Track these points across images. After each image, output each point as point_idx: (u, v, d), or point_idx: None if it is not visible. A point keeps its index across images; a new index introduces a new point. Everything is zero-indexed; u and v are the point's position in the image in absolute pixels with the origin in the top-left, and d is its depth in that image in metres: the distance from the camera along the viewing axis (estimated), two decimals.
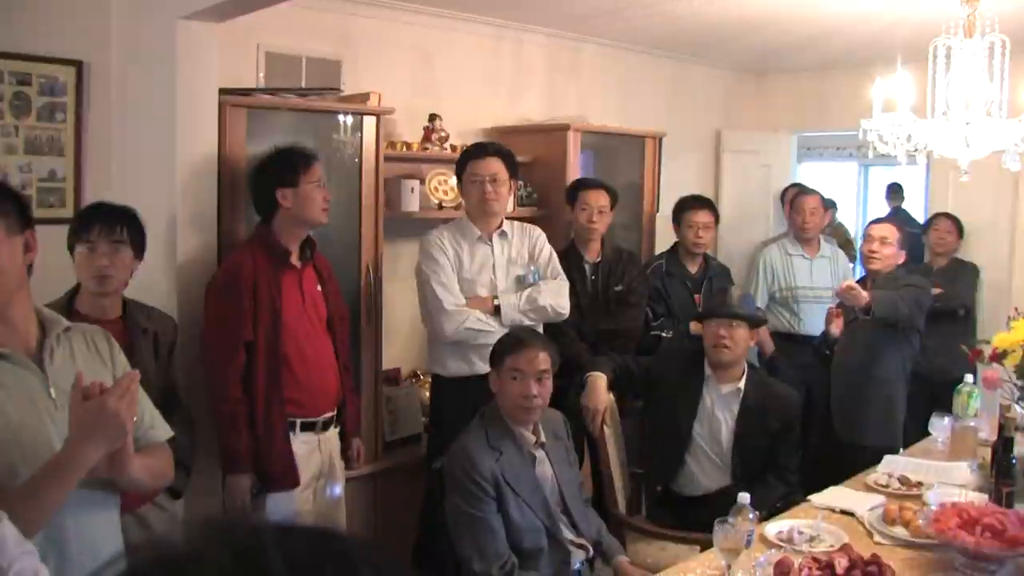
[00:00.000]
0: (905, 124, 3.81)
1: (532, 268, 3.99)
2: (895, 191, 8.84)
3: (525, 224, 4.15)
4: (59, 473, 1.83)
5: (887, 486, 3.43)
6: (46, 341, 2.00)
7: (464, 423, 3.76)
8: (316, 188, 3.43)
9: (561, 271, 4.07)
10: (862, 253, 4.62)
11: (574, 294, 4.43)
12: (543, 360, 3.15)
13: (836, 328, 4.51)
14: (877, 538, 2.96)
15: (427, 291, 3.85)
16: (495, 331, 3.80)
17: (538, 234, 4.11)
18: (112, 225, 3.01)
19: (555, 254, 4.11)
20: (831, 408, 4.56)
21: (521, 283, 3.96)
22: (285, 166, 3.39)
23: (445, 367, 3.95)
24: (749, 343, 3.83)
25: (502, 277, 3.96)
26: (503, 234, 4.00)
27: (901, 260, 4.57)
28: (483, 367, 3.78)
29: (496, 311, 3.86)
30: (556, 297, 3.94)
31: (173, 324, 3.33)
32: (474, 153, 3.96)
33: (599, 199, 4.54)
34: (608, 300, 4.53)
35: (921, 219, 7.01)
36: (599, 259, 4.58)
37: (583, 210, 4.54)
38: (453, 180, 4.71)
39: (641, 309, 4.61)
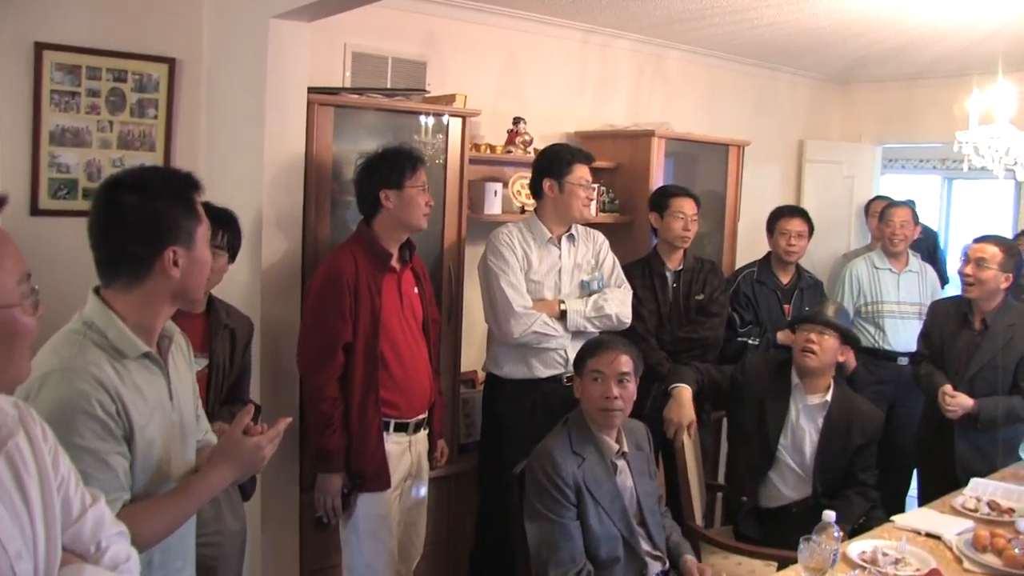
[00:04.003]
0: (1004, 137, 3.71)
1: (597, 274, 3.98)
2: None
3: (589, 229, 4.12)
4: (201, 493, 1.97)
5: (975, 510, 3.31)
6: (164, 344, 2.07)
7: (516, 426, 3.81)
8: (420, 192, 3.41)
9: (625, 280, 4.05)
10: (960, 275, 4.23)
11: (654, 301, 4.39)
12: (624, 362, 3.13)
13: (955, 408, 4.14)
14: (967, 564, 2.86)
15: (495, 290, 3.82)
16: (559, 336, 3.82)
17: (602, 240, 4.10)
18: (213, 231, 3.06)
19: (618, 262, 4.09)
20: (955, 454, 4.19)
21: (584, 288, 3.94)
22: (391, 167, 3.38)
23: (501, 368, 3.94)
24: (837, 356, 3.75)
25: (567, 281, 3.94)
26: (571, 238, 3.98)
27: (1005, 284, 4.11)
28: (542, 371, 3.83)
29: (562, 316, 3.84)
30: (622, 306, 3.92)
31: (250, 324, 3.38)
32: (584, 157, 3.96)
33: (692, 208, 4.48)
34: (689, 309, 4.47)
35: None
36: (681, 267, 4.52)
37: (678, 219, 4.45)
38: None
39: (722, 319, 4.54)
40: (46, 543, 1.46)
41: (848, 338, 3.78)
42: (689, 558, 3.22)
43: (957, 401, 4.07)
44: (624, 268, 4.13)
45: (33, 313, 1.42)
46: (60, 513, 1.52)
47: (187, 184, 1.98)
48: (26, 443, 1.48)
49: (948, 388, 4.14)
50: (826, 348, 3.70)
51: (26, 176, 3.73)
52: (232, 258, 3.20)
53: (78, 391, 1.78)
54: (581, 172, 3.90)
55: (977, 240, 4.25)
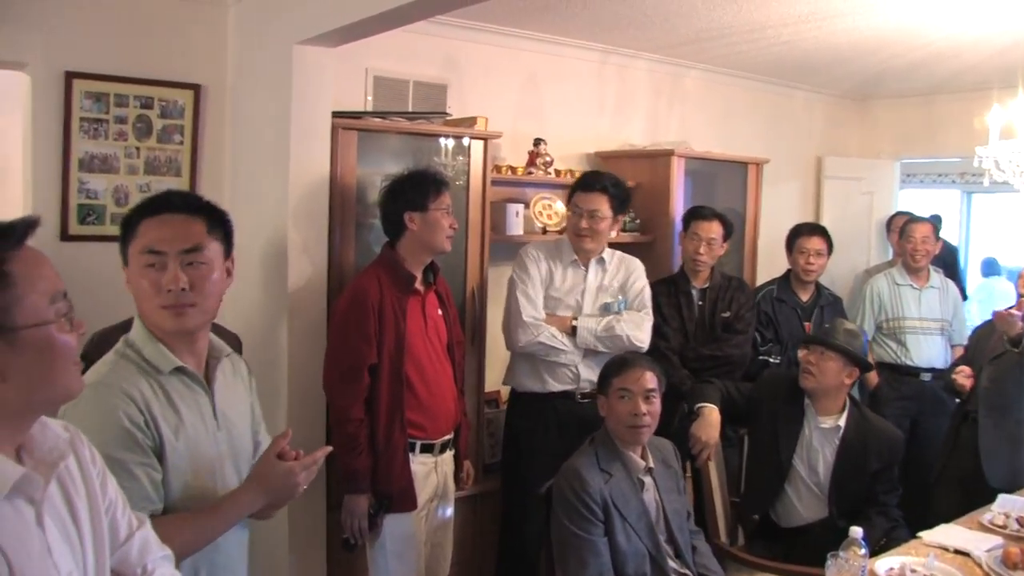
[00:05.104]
0: None
1: (620, 298, 3.99)
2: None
3: (627, 256, 4.13)
4: (229, 512, 1.98)
5: (1004, 527, 3.29)
6: (212, 364, 2.10)
7: (531, 440, 3.90)
8: (444, 215, 3.44)
9: (648, 306, 4.04)
10: (1021, 277, 4.33)
11: (679, 318, 4.40)
12: (650, 379, 3.16)
13: (964, 380, 4.29)
14: None
15: (511, 299, 3.91)
16: (567, 351, 3.86)
17: (636, 266, 4.10)
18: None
19: (648, 289, 4.08)
20: (981, 453, 4.18)
21: (606, 310, 3.97)
22: (416, 189, 3.41)
23: (518, 382, 4.01)
24: (842, 379, 3.67)
25: (590, 302, 3.97)
26: (601, 261, 4.02)
27: None
28: (555, 386, 3.89)
29: (573, 332, 3.87)
30: (635, 329, 3.91)
31: (237, 340, 3.38)
32: (581, 184, 3.99)
33: (710, 231, 4.47)
34: (714, 326, 4.47)
35: None
36: (707, 285, 4.53)
37: (692, 240, 4.49)
38: (558, 205, 4.74)
39: (748, 337, 4.52)
40: (95, 565, 1.49)
41: (852, 360, 3.68)
42: None
43: (1010, 314, 4.05)
44: (651, 286, 4.14)
45: (70, 330, 1.44)
46: (108, 536, 1.55)
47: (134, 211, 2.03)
48: (76, 466, 1.51)
49: (966, 369, 4.27)
50: (825, 370, 3.65)
51: (56, 202, 3.80)
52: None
53: (106, 403, 1.84)
54: (576, 198, 3.96)
55: None
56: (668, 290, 4.48)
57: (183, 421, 1.96)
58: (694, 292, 4.52)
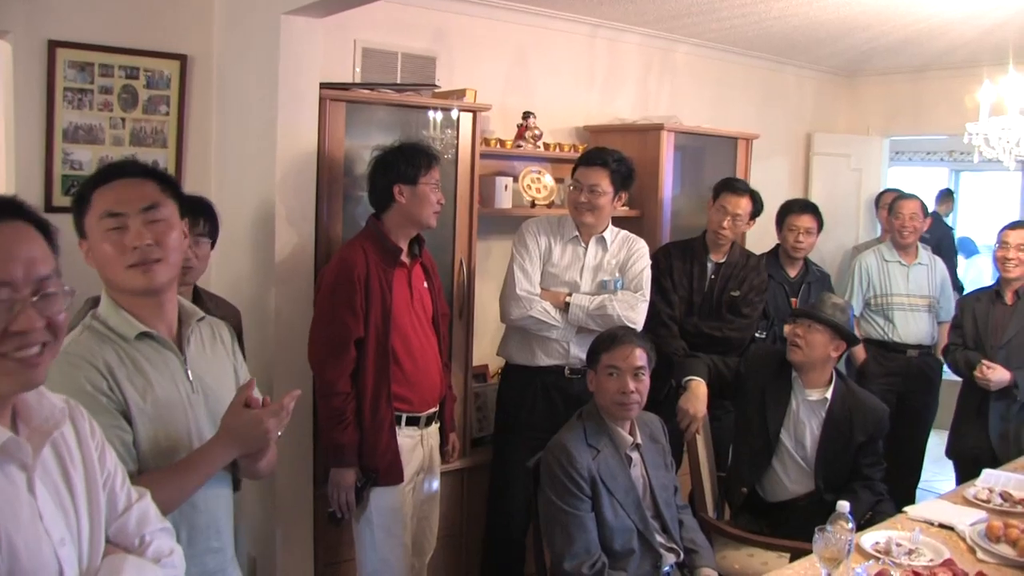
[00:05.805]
0: (1015, 128, 3.71)
1: (617, 276, 3.97)
2: (945, 198, 8.72)
3: (632, 236, 4.08)
4: (200, 465, 1.99)
5: (988, 501, 3.32)
6: (184, 328, 2.11)
7: (518, 413, 3.92)
8: (433, 190, 3.42)
9: (645, 288, 3.98)
10: (996, 259, 4.50)
11: (688, 288, 4.38)
12: (639, 356, 3.15)
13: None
14: (980, 555, 2.85)
15: (508, 272, 3.92)
16: (558, 326, 3.86)
17: (639, 247, 4.04)
18: (196, 218, 3.06)
19: (648, 271, 4.03)
20: (990, 436, 4.41)
21: (603, 288, 3.95)
22: (407, 162, 3.38)
23: (509, 354, 4.03)
24: (829, 351, 3.69)
25: (588, 280, 3.95)
26: (601, 240, 3.99)
27: None
28: (544, 359, 3.91)
29: (566, 308, 3.86)
30: (627, 309, 3.86)
31: (237, 313, 3.37)
32: (584, 159, 3.97)
33: (738, 206, 4.38)
34: (721, 304, 4.40)
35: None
36: (724, 260, 4.45)
37: (717, 212, 4.40)
38: (546, 178, 4.72)
39: (751, 321, 4.45)
40: (90, 533, 1.52)
41: (840, 333, 3.70)
42: (706, 571, 3.21)
43: (996, 374, 4.27)
44: (668, 245, 4.11)
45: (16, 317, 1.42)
46: (106, 507, 1.57)
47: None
48: (73, 437, 1.54)
49: (986, 362, 4.35)
50: (812, 343, 3.66)
51: (40, 173, 3.75)
52: (214, 245, 3.21)
53: (67, 372, 1.87)
54: (578, 173, 3.94)
55: (1011, 226, 4.50)
56: (684, 255, 4.43)
57: (152, 384, 1.98)
58: (709, 264, 4.45)
